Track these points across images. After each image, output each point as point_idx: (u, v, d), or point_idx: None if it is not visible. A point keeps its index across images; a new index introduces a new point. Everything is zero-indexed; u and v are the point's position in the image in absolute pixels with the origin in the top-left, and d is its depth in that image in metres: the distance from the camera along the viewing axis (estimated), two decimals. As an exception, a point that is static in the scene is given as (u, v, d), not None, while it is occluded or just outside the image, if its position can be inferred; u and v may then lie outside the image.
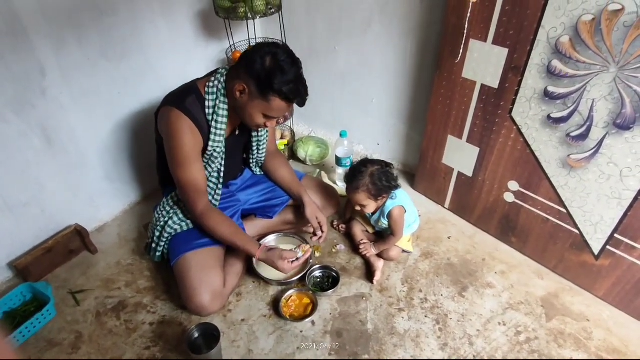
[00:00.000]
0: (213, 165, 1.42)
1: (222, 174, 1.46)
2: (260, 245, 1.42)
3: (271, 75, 1.22)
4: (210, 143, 1.37)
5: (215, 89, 1.33)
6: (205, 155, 1.39)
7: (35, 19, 1.35)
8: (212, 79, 1.34)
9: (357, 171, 1.47)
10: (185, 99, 1.32)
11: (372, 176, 1.44)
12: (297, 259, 1.42)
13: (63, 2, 1.40)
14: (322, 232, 1.57)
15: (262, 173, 1.72)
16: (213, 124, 1.35)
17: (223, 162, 1.44)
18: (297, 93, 1.26)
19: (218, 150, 1.39)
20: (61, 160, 1.59)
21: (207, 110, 1.34)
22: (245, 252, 1.43)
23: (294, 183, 1.65)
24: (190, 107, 1.31)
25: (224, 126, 1.36)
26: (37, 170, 1.52)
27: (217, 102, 1.33)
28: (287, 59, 1.24)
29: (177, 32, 1.80)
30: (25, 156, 1.48)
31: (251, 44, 1.85)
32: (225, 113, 1.35)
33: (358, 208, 1.52)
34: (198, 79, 1.41)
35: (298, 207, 1.67)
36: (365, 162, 1.49)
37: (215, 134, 1.36)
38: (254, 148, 1.59)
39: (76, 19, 1.45)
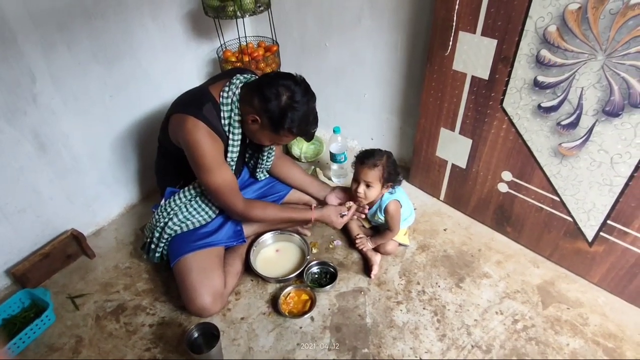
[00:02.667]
0: None
1: None
2: (311, 207, 1.59)
3: (284, 115, 1.26)
4: (229, 154, 1.40)
5: (229, 100, 1.33)
6: None
7: (24, 24, 1.34)
8: (226, 88, 1.34)
9: (377, 151, 1.50)
10: (201, 106, 1.31)
11: (389, 159, 1.49)
12: (346, 214, 1.58)
13: (51, 7, 1.39)
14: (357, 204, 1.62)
15: (267, 177, 1.72)
16: (230, 136, 1.37)
17: (234, 168, 1.46)
18: (307, 132, 1.35)
19: (235, 159, 1.42)
20: (55, 165, 1.58)
21: (222, 122, 1.35)
22: (302, 220, 1.58)
23: (308, 182, 1.72)
24: (208, 115, 1.31)
25: (239, 137, 1.39)
26: (31, 176, 1.52)
27: (232, 114, 1.34)
28: (302, 98, 1.26)
29: (167, 34, 1.79)
30: (19, 163, 1.47)
31: (241, 43, 1.85)
32: (240, 124, 1.36)
33: (361, 190, 1.50)
34: (209, 85, 1.39)
35: (294, 204, 1.69)
36: (381, 149, 1.52)
37: (233, 145, 1.39)
38: (265, 157, 1.60)
39: (65, 24, 1.44)
